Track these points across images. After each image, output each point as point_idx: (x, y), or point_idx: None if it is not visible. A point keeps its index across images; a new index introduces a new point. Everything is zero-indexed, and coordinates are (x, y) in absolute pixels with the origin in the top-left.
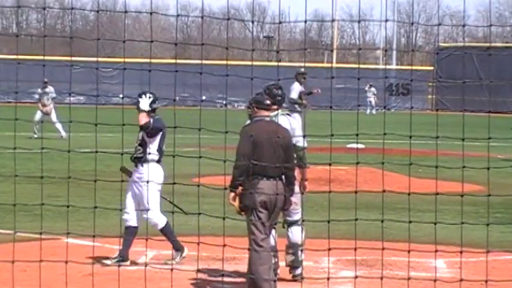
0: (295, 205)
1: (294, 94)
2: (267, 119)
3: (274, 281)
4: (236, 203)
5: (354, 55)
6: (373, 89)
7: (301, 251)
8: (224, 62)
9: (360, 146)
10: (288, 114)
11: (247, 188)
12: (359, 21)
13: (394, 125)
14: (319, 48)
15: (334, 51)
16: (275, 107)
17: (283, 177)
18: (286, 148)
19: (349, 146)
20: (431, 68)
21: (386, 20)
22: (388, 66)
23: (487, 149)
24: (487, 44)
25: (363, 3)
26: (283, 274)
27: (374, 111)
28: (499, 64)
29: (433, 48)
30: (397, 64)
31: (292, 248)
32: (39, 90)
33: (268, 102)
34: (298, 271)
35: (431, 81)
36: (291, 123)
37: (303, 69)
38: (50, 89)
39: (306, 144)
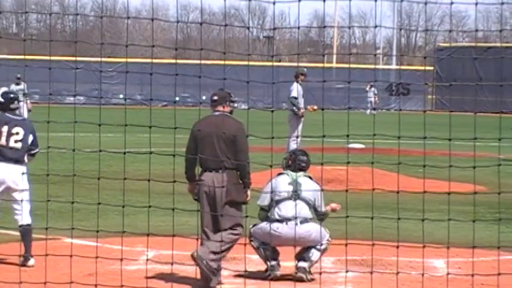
0: (325, 233)
1: (295, 93)
2: (216, 113)
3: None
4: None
5: (353, 55)
6: (373, 89)
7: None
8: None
9: (360, 146)
10: (309, 176)
11: (195, 180)
12: (349, 27)
13: (393, 125)
14: (314, 53)
15: (334, 55)
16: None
17: (231, 170)
18: (230, 142)
19: (349, 146)
20: (431, 68)
21: (376, 26)
22: (388, 66)
23: (486, 148)
24: (486, 44)
25: (363, 3)
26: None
27: (374, 112)
28: (499, 63)
29: (433, 48)
30: (397, 64)
31: (303, 253)
32: (14, 87)
33: (215, 98)
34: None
35: (421, 83)
36: (312, 186)
37: (305, 69)
38: (23, 85)
39: (324, 209)
